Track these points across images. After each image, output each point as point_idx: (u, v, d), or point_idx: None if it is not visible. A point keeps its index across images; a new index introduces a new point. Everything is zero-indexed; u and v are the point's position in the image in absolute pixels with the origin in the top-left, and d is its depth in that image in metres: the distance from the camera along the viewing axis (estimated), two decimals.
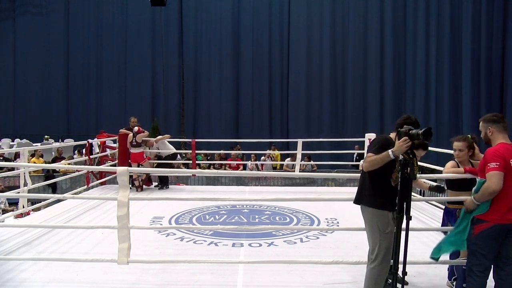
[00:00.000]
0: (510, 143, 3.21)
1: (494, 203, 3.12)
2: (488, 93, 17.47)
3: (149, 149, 9.34)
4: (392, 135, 3.31)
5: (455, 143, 3.82)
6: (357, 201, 3.39)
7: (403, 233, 3.24)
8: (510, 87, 17.17)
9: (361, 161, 3.81)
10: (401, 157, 3.06)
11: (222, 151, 13.65)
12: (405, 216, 3.16)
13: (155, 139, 9.38)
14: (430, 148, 8.25)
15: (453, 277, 3.87)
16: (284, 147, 15.80)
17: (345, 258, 4.10)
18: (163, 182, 9.30)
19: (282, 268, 4.30)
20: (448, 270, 4.01)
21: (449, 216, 3.96)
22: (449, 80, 17.63)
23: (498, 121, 3.23)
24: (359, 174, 3.53)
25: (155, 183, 9.57)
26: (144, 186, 8.91)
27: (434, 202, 7.13)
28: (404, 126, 3.12)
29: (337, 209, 6.81)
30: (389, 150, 3.05)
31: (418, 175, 3.28)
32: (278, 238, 5.41)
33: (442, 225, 4.21)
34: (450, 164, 4.07)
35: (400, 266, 3.19)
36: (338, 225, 6.10)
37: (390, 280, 3.31)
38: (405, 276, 3.24)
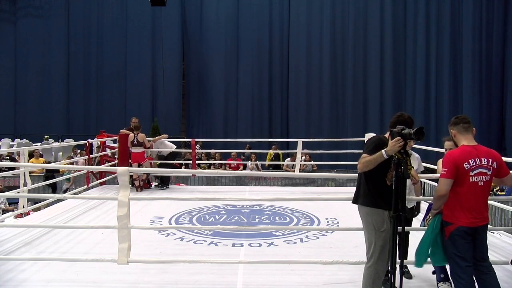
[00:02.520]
0: (472, 145, 3.23)
1: (456, 206, 3.19)
2: (488, 93, 17.46)
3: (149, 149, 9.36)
4: (387, 135, 3.33)
5: (446, 142, 3.84)
6: (354, 200, 3.44)
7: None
8: (510, 87, 17.16)
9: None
10: (394, 156, 3.10)
11: (222, 151, 13.65)
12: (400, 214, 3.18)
13: (152, 139, 9.42)
14: (430, 148, 8.29)
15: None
16: (284, 147, 15.80)
17: (345, 258, 4.10)
18: (164, 182, 9.32)
19: (282, 268, 4.30)
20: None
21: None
22: (449, 80, 17.62)
23: (457, 122, 3.28)
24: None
25: (154, 183, 9.59)
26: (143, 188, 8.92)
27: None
28: (397, 126, 3.17)
29: (337, 209, 6.82)
30: (383, 150, 3.11)
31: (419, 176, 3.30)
32: (278, 238, 5.41)
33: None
34: (441, 163, 4.12)
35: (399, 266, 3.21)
36: (338, 225, 6.10)
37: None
38: (403, 275, 3.25)
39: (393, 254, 3.17)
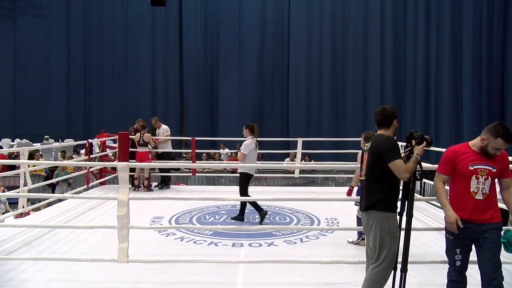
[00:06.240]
0: None
1: None
2: (488, 93, 17.45)
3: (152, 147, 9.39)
4: (386, 132, 3.30)
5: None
6: (366, 207, 3.25)
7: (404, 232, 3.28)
8: (510, 86, 17.16)
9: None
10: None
11: (222, 151, 13.66)
12: (407, 214, 3.27)
13: (162, 137, 9.43)
14: (430, 148, 8.25)
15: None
16: (284, 147, 15.79)
17: (345, 258, 4.10)
18: (164, 182, 9.36)
19: (282, 268, 4.30)
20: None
21: None
22: (449, 81, 17.61)
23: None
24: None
25: (155, 183, 9.62)
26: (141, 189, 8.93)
27: (434, 202, 7.13)
28: (410, 130, 3.30)
29: (337, 209, 6.81)
30: (416, 155, 3.18)
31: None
32: (278, 238, 5.41)
33: None
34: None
35: (399, 266, 3.22)
36: (338, 225, 6.10)
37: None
38: (406, 275, 3.25)
39: (405, 253, 3.22)
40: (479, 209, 3.12)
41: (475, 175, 3.11)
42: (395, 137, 3.33)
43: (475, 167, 3.12)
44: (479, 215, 3.12)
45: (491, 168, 3.12)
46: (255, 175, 6.76)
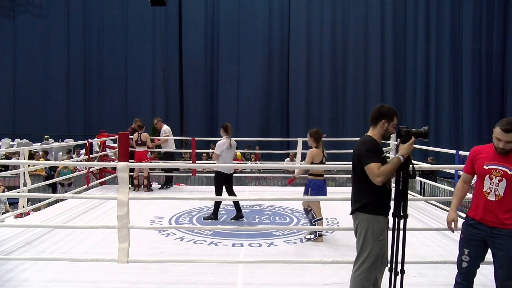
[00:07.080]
0: None
1: None
2: (488, 93, 17.49)
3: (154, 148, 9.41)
4: (372, 131, 3.19)
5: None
6: (354, 211, 3.17)
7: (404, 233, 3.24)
8: (510, 86, 17.18)
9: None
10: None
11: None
12: (402, 214, 3.18)
13: (162, 137, 9.44)
14: (430, 148, 8.28)
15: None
16: (284, 147, 15.79)
17: (345, 258, 4.10)
18: (167, 182, 9.38)
19: (282, 268, 4.30)
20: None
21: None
22: (449, 80, 17.65)
23: None
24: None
25: (155, 183, 9.63)
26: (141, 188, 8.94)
27: (434, 202, 7.14)
28: (399, 127, 3.12)
29: (337, 209, 6.81)
30: (399, 156, 3.02)
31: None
32: (278, 238, 5.42)
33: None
34: None
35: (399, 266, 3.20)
36: (338, 225, 6.10)
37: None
38: (404, 275, 3.24)
39: (395, 254, 3.16)
40: (490, 211, 3.02)
41: (488, 175, 3.03)
42: (389, 137, 3.26)
43: (489, 166, 3.04)
44: (490, 216, 3.02)
45: (506, 170, 2.98)
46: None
